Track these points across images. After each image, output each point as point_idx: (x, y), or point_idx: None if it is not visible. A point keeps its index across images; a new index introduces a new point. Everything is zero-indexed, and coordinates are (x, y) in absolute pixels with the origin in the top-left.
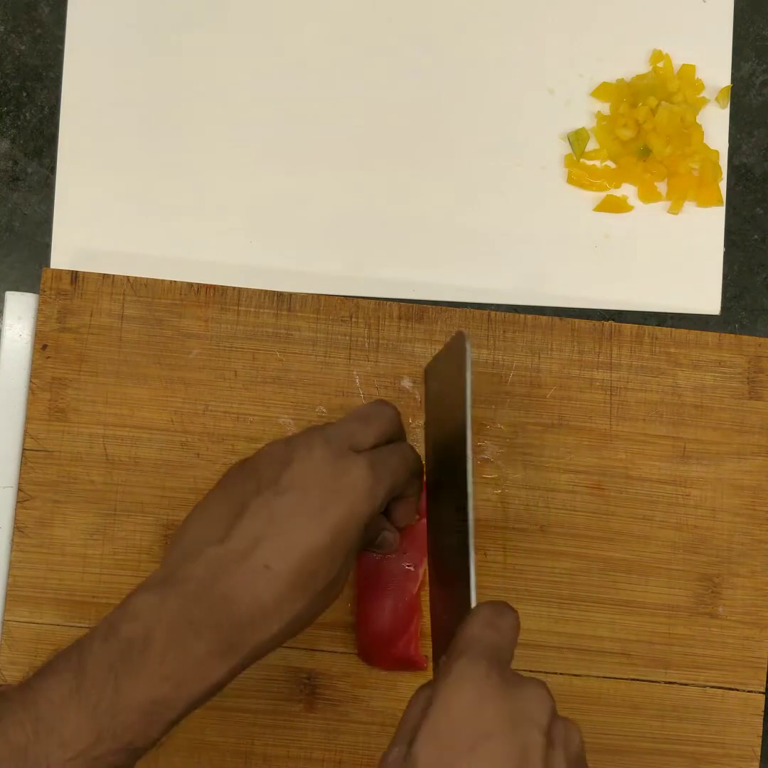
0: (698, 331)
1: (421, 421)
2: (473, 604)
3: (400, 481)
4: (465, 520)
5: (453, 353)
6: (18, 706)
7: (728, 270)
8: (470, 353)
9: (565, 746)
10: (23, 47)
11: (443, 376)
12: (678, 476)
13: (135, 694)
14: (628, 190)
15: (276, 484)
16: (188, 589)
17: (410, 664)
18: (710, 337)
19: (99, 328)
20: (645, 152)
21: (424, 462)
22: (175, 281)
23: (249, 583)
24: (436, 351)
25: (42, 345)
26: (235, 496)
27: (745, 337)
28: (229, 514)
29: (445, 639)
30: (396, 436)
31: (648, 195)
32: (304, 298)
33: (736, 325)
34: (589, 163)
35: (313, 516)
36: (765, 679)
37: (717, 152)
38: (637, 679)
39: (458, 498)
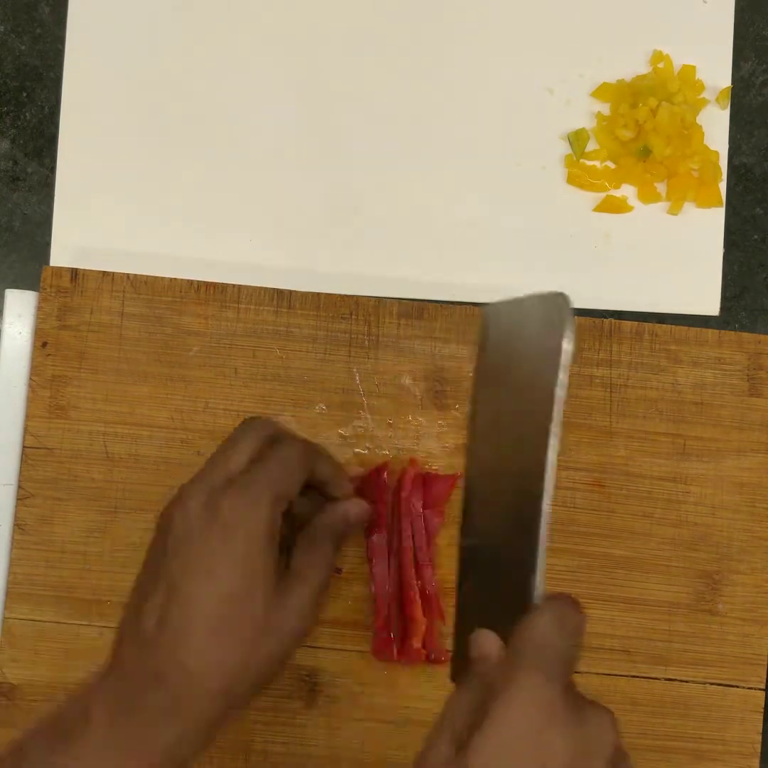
0: (698, 329)
1: (422, 419)
2: (536, 596)
3: (287, 484)
4: (537, 508)
5: (543, 323)
6: None
7: (728, 270)
8: (571, 337)
9: None
10: (23, 47)
11: (521, 348)
12: (678, 473)
13: None
14: (628, 191)
15: (166, 553)
16: (125, 671)
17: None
18: (710, 334)
19: (99, 325)
20: (645, 153)
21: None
22: (175, 278)
23: (171, 655)
24: (437, 348)
25: (42, 342)
26: (148, 571)
27: (745, 335)
28: (142, 593)
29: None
30: (276, 439)
31: (648, 195)
32: (304, 295)
33: (736, 325)
34: (589, 163)
35: (202, 576)
36: (765, 675)
37: (717, 153)
38: (638, 676)
39: (530, 484)
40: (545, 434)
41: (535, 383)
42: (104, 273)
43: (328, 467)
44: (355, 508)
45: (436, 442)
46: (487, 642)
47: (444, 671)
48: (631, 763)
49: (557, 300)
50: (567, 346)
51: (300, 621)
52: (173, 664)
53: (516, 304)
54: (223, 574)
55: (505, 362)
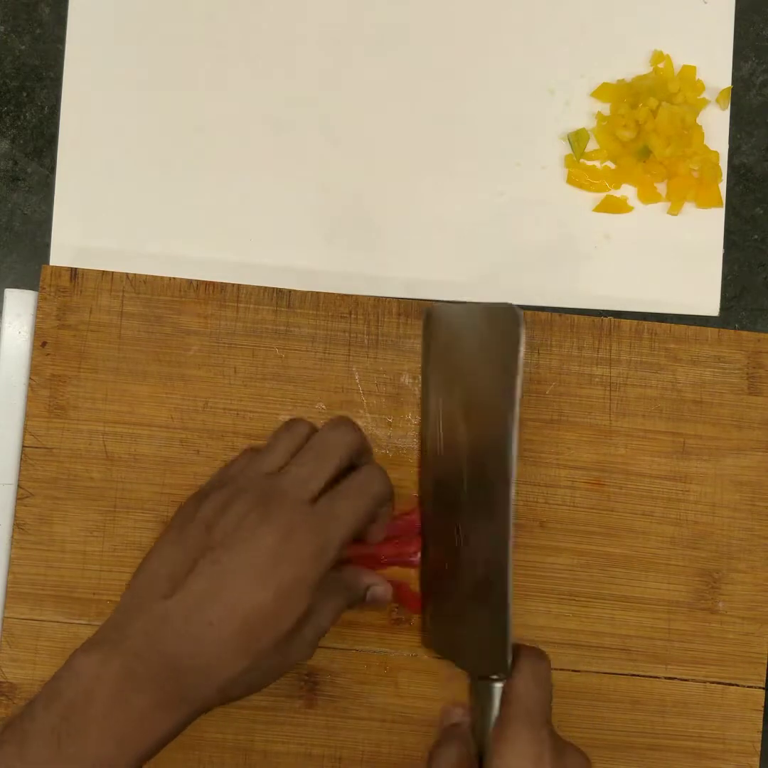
0: (697, 327)
1: (421, 418)
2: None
3: (361, 519)
4: (504, 548)
5: (493, 333)
6: None
7: (728, 270)
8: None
9: None
10: (23, 47)
11: (470, 353)
12: (677, 472)
13: (80, 756)
14: (628, 191)
15: (226, 541)
16: (133, 645)
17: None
18: (709, 332)
19: (98, 325)
20: (645, 153)
21: (421, 439)
22: (174, 278)
23: (193, 639)
24: None
25: (41, 342)
26: (184, 548)
27: (744, 333)
28: (178, 568)
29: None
30: (358, 459)
31: (648, 196)
32: (304, 294)
33: (736, 325)
34: (589, 163)
35: (259, 578)
36: (765, 674)
37: (717, 153)
38: (637, 675)
39: (494, 515)
40: (506, 440)
41: (492, 386)
42: (103, 272)
43: (384, 509)
44: (380, 590)
45: None
46: (456, 713)
47: (445, 671)
48: None
49: (507, 312)
50: (521, 353)
51: (307, 652)
52: (191, 647)
53: (465, 310)
54: (273, 590)
55: (455, 364)
